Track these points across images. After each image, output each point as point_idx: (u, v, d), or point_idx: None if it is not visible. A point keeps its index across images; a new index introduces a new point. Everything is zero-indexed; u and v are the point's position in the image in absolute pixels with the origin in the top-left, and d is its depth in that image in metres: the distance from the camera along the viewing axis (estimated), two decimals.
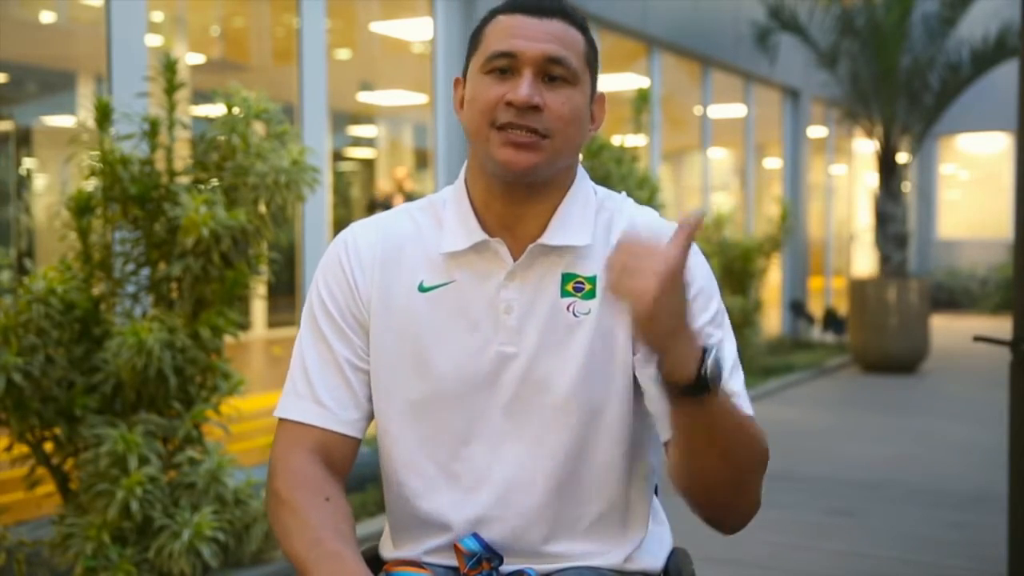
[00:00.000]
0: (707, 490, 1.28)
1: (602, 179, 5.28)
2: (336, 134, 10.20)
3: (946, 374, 9.12)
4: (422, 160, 10.23)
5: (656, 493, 1.51)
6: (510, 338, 1.36)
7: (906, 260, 9.74)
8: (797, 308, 11.26)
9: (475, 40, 1.38)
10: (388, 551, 1.47)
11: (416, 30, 7.29)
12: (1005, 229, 13.21)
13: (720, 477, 1.26)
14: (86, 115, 3.25)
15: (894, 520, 4.36)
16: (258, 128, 3.27)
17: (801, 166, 11.83)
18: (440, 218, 1.41)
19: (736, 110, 10.83)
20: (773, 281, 10.78)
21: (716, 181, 11.03)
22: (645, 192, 5.60)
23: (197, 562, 2.94)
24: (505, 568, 1.38)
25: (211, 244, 3.01)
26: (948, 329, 12.03)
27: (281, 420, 1.39)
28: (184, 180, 3.22)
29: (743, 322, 8.43)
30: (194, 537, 2.91)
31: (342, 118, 10.16)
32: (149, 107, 3.36)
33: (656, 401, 1.32)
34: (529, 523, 1.37)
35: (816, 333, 11.32)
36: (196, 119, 3.88)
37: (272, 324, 8.87)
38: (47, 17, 6.91)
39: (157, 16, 6.08)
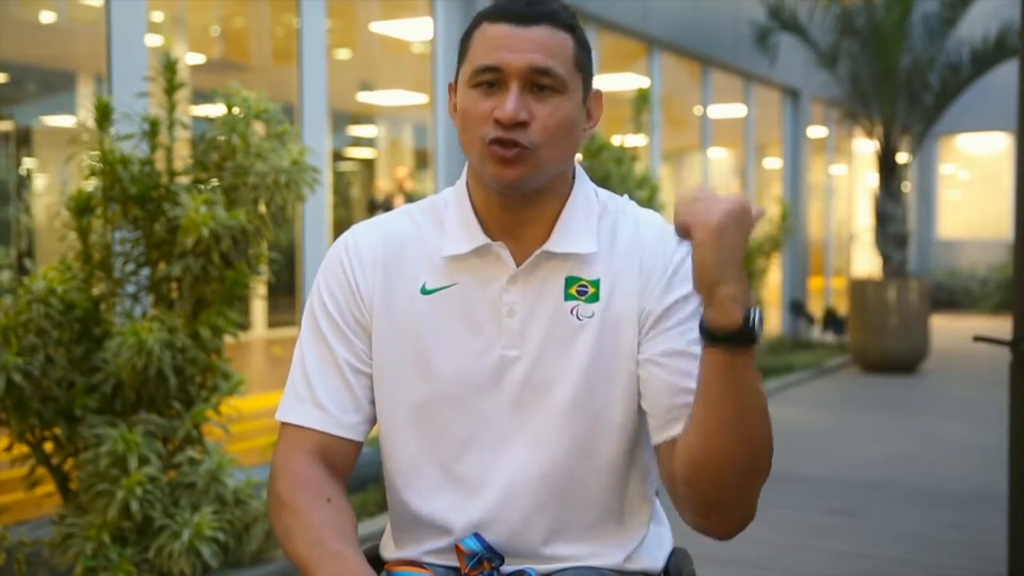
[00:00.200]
0: (716, 475, 1.25)
1: (602, 179, 5.28)
2: (336, 134, 10.21)
3: (946, 374, 9.13)
4: (422, 160, 10.23)
5: (656, 494, 1.51)
6: (512, 341, 1.36)
7: (906, 260, 9.74)
8: (797, 308, 11.26)
9: (463, 47, 1.37)
10: (389, 551, 1.47)
11: (416, 30, 7.29)
12: (1005, 229, 13.22)
13: (734, 462, 1.24)
14: (86, 115, 3.25)
15: (894, 520, 4.36)
16: (258, 128, 3.27)
17: (801, 166, 11.83)
18: (441, 220, 1.41)
19: (736, 110, 10.83)
20: (773, 281, 10.79)
21: (716, 181, 11.03)
22: (645, 192, 5.61)
23: (197, 562, 2.94)
24: (506, 568, 1.38)
25: (211, 244, 3.01)
26: (948, 329, 12.03)
27: (282, 424, 1.39)
28: (184, 180, 3.22)
29: None
30: (194, 537, 2.91)
31: (342, 118, 10.16)
32: (149, 107, 3.36)
33: (652, 398, 1.32)
34: (530, 525, 1.37)
35: (816, 333, 11.33)
36: (196, 119, 3.88)
37: (272, 324, 8.87)
38: (47, 17, 6.91)
39: (157, 16, 6.08)
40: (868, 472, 5.29)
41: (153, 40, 5.61)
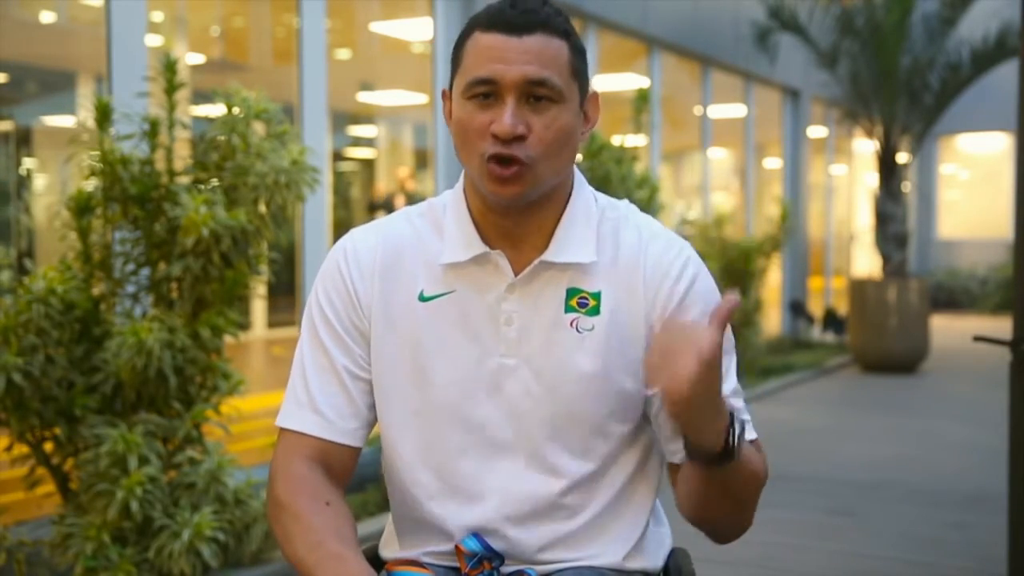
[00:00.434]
0: (712, 521, 1.36)
1: (602, 179, 5.27)
2: (336, 134, 10.20)
3: (946, 374, 9.12)
4: (422, 160, 10.23)
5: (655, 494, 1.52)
6: (510, 350, 1.35)
7: (906, 260, 9.74)
8: (797, 308, 11.26)
9: (456, 55, 1.34)
10: (389, 550, 1.48)
11: (416, 30, 7.29)
12: (1005, 229, 13.22)
13: (728, 512, 1.34)
14: (86, 115, 3.25)
15: (894, 520, 4.36)
16: (258, 128, 3.27)
17: (801, 166, 11.83)
18: (440, 225, 1.40)
19: (736, 110, 10.83)
20: (773, 281, 10.78)
21: (716, 181, 11.03)
22: (645, 192, 5.60)
23: (197, 562, 2.94)
24: (506, 568, 1.38)
25: (211, 244, 3.01)
26: (948, 329, 12.02)
27: (282, 429, 1.40)
28: (184, 180, 3.22)
29: (743, 322, 8.42)
30: (194, 537, 2.91)
31: (342, 118, 10.16)
32: (149, 107, 3.36)
33: (663, 427, 1.37)
34: (528, 531, 1.37)
35: (816, 333, 11.33)
36: (196, 119, 3.88)
37: (272, 324, 8.87)
38: (47, 17, 6.92)
39: (157, 16, 6.08)
40: (868, 472, 5.29)
41: (153, 40, 5.61)
